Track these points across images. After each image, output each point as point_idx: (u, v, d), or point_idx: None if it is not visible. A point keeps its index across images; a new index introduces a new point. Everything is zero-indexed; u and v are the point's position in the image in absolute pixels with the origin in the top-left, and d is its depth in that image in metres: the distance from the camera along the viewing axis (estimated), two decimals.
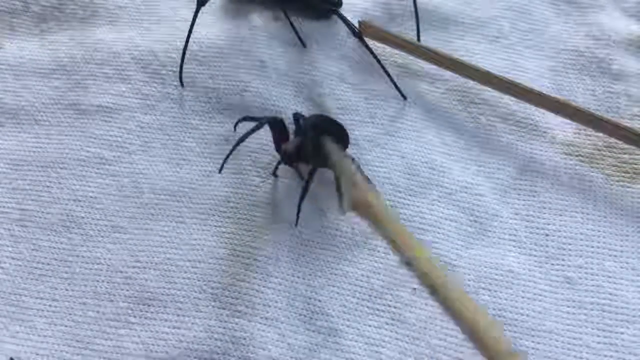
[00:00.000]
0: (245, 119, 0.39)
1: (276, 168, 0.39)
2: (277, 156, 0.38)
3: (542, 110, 0.41)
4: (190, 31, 0.41)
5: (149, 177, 0.39)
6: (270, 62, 0.42)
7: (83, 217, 0.38)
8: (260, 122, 0.37)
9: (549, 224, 0.38)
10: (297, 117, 0.39)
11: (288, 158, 0.37)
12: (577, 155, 0.40)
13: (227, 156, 0.36)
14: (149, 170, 0.39)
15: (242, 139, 0.37)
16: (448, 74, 0.42)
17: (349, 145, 0.39)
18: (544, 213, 0.38)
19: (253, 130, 0.37)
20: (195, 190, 0.39)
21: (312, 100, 0.42)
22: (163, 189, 0.39)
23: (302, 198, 0.36)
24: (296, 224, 0.37)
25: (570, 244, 0.37)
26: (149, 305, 0.35)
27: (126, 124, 0.41)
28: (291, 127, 0.38)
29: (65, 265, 0.36)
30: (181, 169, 0.39)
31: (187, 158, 0.40)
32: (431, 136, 0.41)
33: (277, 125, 0.38)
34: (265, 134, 0.39)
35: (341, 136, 0.38)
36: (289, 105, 0.41)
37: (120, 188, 0.39)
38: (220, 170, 0.37)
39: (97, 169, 0.39)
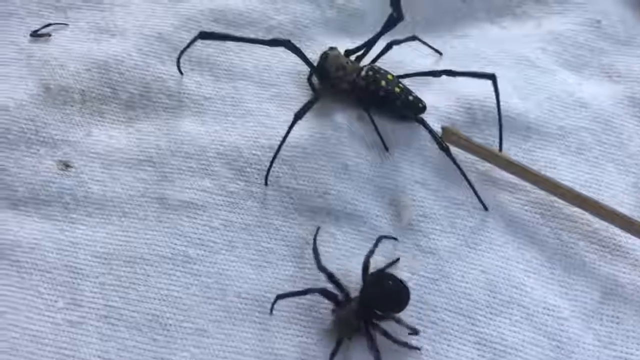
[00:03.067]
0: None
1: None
2: None
3: (626, 229, 0.41)
4: (283, 140, 0.41)
5: (232, 279, 0.39)
6: (353, 165, 0.43)
7: (168, 318, 0.38)
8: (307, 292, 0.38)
9: (632, 354, 0.37)
10: (366, 265, 0.39)
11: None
12: None
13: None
14: (232, 271, 0.40)
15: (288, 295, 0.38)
16: (530, 186, 0.42)
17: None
18: (628, 342, 0.38)
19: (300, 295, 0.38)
20: (275, 295, 0.39)
21: (394, 206, 0.42)
22: (246, 293, 0.39)
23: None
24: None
25: None
26: None
27: (211, 222, 0.41)
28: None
29: None
30: (264, 272, 0.40)
31: (270, 260, 0.40)
32: (512, 251, 0.41)
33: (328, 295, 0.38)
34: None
35: (399, 300, 0.38)
36: (370, 209, 0.42)
37: (204, 289, 0.39)
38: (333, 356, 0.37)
39: (182, 267, 0.40)
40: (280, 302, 0.38)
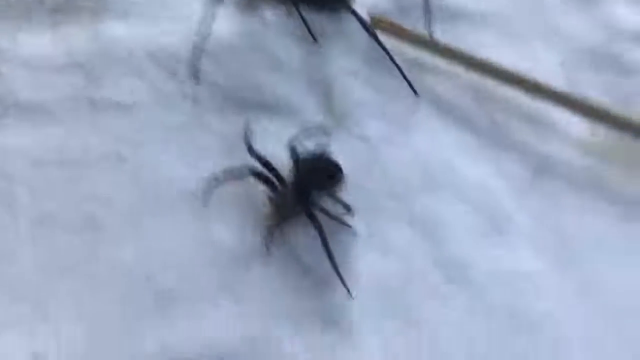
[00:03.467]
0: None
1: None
2: None
3: (559, 109, 0.41)
4: (204, 30, 0.41)
5: (166, 176, 0.39)
6: (284, 59, 0.43)
7: (103, 218, 0.38)
8: (241, 171, 0.38)
9: (567, 226, 0.38)
10: (292, 148, 0.38)
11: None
12: (595, 154, 0.40)
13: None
14: (166, 169, 0.39)
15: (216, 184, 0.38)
16: (461, 70, 0.42)
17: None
18: (562, 215, 0.38)
19: (234, 178, 0.38)
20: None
21: (326, 97, 0.42)
22: (181, 188, 0.39)
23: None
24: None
25: (590, 248, 0.37)
26: (167, 306, 0.36)
27: (143, 122, 0.41)
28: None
29: (85, 265, 0.37)
30: (198, 168, 0.39)
31: (204, 156, 0.40)
32: (445, 134, 0.41)
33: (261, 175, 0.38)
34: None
35: (335, 178, 0.38)
36: (302, 101, 0.41)
37: (139, 187, 0.39)
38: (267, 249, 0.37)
39: (116, 167, 0.39)
40: (216, 193, 0.38)
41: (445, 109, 0.42)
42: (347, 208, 0.37)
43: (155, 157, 0.40)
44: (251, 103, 0.41)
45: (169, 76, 0.42)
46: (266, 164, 0.38)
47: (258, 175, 0.38)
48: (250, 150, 0.38)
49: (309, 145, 0.39)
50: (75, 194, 0.39)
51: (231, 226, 0.37)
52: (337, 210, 0.37)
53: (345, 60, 0.43)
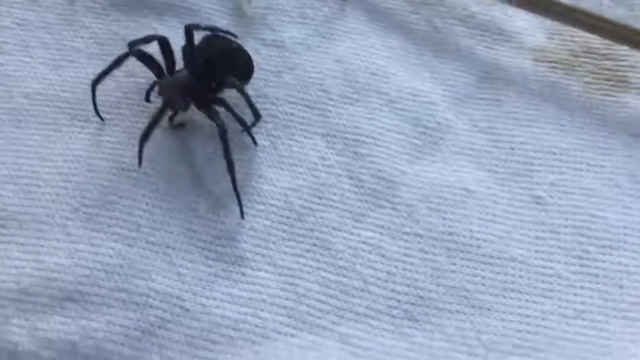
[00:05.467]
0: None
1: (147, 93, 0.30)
2: None
3: (509, 13, 0.34)
4: None
5: (22, 80, 0.32)
6: None
7: None
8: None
9: (514, 137, 0.30)
10: (189, 30, 0.30)
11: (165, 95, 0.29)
12: (550, 62, 0.33)
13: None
14: (23, 72, 0.32)
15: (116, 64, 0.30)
16: None
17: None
18: (509, 125, 0.31)
19: (126, 56, 0.30)
20: (77, 96, 0.31)
21: None
22: (38, 93, 0.31)
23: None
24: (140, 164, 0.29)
25: (540, 159, 0.30)
26: (0, 227, 0.28)
27: (1, 21, 0.33)
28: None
29: None
30: (63, 72, 0.32)
31: (73, 60, 0.32)
32: (374, 39, 0.33)
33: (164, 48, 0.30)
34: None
35: (245, 67, 0.31)
36: (204, 1, 0.34)
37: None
38: (139, 163, 0.29)
39: None
40: (76, 102, 0.30)
41: (375, 14, 0.34)
42: (256, 114, 0.30)
43: (10, 61, 0.32)
44: (138, 3, 0.34)
45: None
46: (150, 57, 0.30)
47: (141, 55, 0.30)
48: (132, 43, 0.30)
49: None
50: None
51: (92, 140, 0.30)
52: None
53: None
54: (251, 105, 0.29)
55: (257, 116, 0.30)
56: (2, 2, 0.34)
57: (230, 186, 0.28)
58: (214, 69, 0.30)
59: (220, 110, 0.29)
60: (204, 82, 0.30)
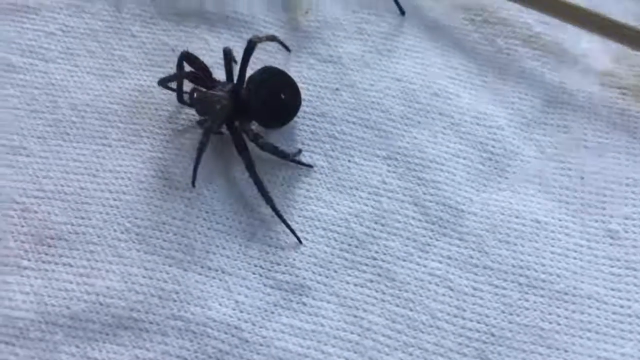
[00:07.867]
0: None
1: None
2: None
3: (572, 33, 0.33)
4: None
5: (67, 90, 0.30)
6: None
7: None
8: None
9: (585, 166, 0.29)
10: (227, 54, 0.29)
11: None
12: (618, 87, 0.32)
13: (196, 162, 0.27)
14: (68, 81, 0.30)
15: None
16: None
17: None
18: (579, 153, 0.30)
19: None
20: (126, 108, 0.30)
21: (288, 11, 0.33)
22: (85, 104, 0.30)
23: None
24: (193, 184, 0.28)
25: (612, 190, 0.28)
26: (48, 246, 0.26)
27: (45, 27, 0.32)
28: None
29: None
30: (111, 82, 0.30)
31: (120, 70, 0.31)
32: (434, 58, 0.32)
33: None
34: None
35: (294, 97, 0.29)
36: (256, 13, 0.33)
37: (29, 101, 0.30)
38: (193, 183, 0.28)
39: (3, 77, 0.30)
40: (125, 115, 0.29)
41: (435, 31, 0.33)
42: (286, 154, 0.28)
43: (56, 70, 0.31)
44: (190, 11, 0.33)
45: None
46: (201, 68, 0.29)
47: (189, 75, 0.28)
48: (183, 59, 0.29)
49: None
50: None
51: (145, 156, 0.28)
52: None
53: None
54: (284, 154, 0.28)
55: (284, 155, 0.28)
56: (46, 8, 0.32)
57: (292, 214, 0.27)
58: (257, 108, 0.28)
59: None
60: (242, 112, 0.28)
